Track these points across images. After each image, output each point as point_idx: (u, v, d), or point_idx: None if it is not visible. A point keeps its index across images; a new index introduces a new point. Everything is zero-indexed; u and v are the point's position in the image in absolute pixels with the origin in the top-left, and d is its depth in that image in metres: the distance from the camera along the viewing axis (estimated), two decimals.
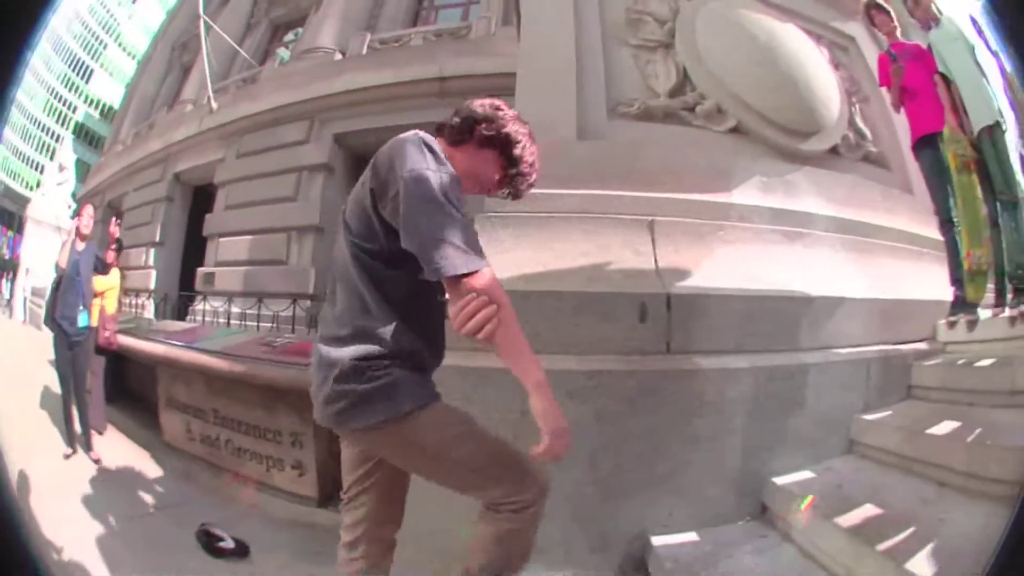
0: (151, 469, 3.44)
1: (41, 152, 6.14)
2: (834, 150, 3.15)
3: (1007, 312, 2.48)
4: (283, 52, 6.35)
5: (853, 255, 2.70)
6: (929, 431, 1.98)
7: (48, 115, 6.23)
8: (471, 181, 1.27)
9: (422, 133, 1.22)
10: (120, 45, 6.84)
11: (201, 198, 5.87)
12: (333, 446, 1.49)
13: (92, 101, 6.66)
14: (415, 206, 1.10)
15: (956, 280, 2.72)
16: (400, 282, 1.19)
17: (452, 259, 1.08)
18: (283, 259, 4.55)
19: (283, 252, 4.56)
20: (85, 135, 6.66)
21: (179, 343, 4.01)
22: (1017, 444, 1.68)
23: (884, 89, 3.05)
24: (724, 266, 2.35)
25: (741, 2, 3.29)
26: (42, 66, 5.92)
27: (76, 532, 2.40)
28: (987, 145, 2.58)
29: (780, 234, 2.58)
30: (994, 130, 2.58)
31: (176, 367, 3.79)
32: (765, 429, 2.07)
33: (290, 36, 6.33)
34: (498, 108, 1.30)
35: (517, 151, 1.28)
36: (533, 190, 1.37)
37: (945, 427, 1.96)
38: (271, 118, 5.39)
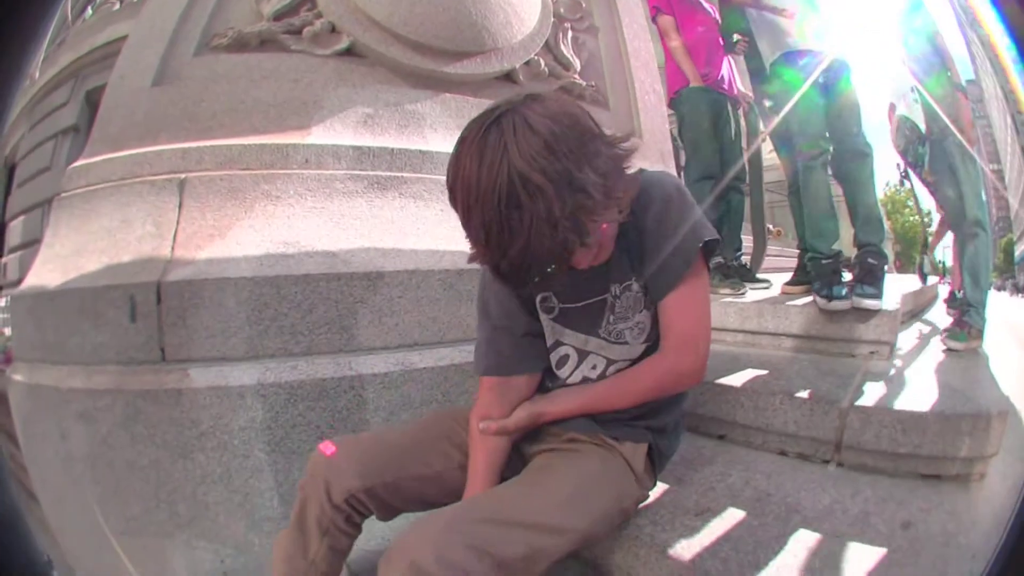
0: None
1: None
2: (509, 76, 2.57)
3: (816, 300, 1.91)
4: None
5: None
6: None
7: None
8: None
9: None
10: None
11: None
12: None
13: None
14: None
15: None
16: None
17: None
18: (39, 238, 4.23)
19: (38, 231, 4.24)
20: None
21: None
22: None
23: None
24: (252, 234, 1.80)
25: None
26: None
27: None
28: (779, 80, 2.06)
29: (367, 182, 2.02)
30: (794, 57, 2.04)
31: None
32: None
33: None
34: None
35: None
36: None
37: None
38: (55, 84, 4.99)
